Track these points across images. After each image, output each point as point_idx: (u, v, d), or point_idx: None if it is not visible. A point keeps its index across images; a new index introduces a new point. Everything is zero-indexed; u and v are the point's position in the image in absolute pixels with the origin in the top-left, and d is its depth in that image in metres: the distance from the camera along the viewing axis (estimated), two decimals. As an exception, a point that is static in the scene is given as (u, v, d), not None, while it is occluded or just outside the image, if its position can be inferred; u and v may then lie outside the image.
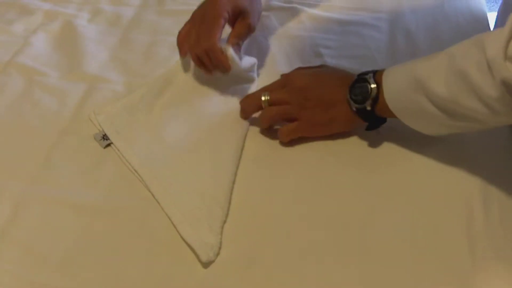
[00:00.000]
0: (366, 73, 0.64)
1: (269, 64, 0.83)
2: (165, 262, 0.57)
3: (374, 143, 0.68)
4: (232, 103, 0.74)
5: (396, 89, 0.61)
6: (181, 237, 0.58)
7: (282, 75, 0.72)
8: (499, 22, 0.88)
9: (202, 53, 0.71)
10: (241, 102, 0.71)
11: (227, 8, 0.73)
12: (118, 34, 0.90)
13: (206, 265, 0.56)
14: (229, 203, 0.62)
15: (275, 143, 0.70)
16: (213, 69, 0.72)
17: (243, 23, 0.75)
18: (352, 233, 0.59)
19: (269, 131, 0.71)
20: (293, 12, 0.93)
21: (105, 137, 0.70)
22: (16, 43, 0.87)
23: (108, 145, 0.69)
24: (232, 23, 0.76)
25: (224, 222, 0.60)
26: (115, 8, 0.96)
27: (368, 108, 0.63)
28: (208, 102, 0.75)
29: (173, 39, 0.87)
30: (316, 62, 0.82)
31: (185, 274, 0.56)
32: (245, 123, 0.72)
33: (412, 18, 0.91)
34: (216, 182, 0.63)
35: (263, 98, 0.68)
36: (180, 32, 0.77)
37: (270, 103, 0.68)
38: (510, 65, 0.49)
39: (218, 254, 0.57)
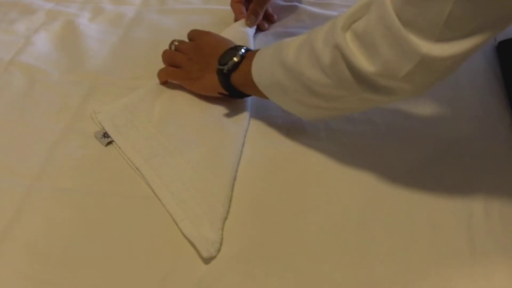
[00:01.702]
0: (243, 46, 0.70)
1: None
2: (166, 259, 0.57)
3: (374, 142, 0.69)
4: (233, 102, 0.74)
5: (261, 58, 0.64)
6: (183, 233, 0.59)
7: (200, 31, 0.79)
8: None
9: None
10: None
11: None
12: (120, 33, 0.90)
13: (207, 261, 0.57)
14: (230, 199, 0.62)
15: (276, 141, 0.70)
16: None
17: None
18: (352, 230, 0.60)
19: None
20: (293, 10, 0.93)
21: (105, 135, 0.70)
22: (18, 42, 0.87)
23: (109, 143, 0.70)
24: None
25: (225, 218, 0.60)
26: (116, 7, 0.96)
27: (225, 70, 0.67)
28: (209, 100, 0.75)
29: (175, 38, 0.88)
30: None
31: (187, 270, 0.56)
32: (246, 121, 0.72)
33: (412, 16, 0.91)
34: (216, 179, 0.64)
35: (172, 43, 0.78)
36: None
37: (176, 49, 0.77)
38: (345, 34, 0.52)
39: (219, 250, 0.57)
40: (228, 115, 0.72)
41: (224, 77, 0.68)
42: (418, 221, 0.60)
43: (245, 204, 0.63)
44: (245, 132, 0.71)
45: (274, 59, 0.62)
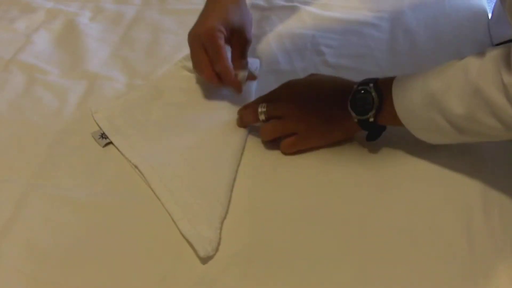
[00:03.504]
0: (367, 82, 0.62)
1: (270, 63, 0.83)
2: (165, 259, 0.57)
3: (375, 144, 0.68)
4: (233, 101, 0.74)
5: (408, 103, 0.60)
6: (181, 233, 0.58)
7: (279, 87, 0.69)
8: (494, 18, 0.88)
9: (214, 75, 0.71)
10: (239, 112, 0.70)
11: (220, 27, 0.70)
12: (120, 33, 0.90)
13: (205, 261, 0.56)
14: (229, 199, 0.62)
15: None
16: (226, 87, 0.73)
17: (241, 40, 0.73)
18: (352, 230, 0.60)
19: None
20: (294, 11, 0.93)
21: (103, 135, 0.70)
22: (18, 41, 0.87)
23: (107, 144, 0.70)
24: (228, 40, 0.73)
25: (224, 218, 0.60)
26: (117, 7, 0.96)
27: (371, 119, 0.62)
28: (209, 100, 0.75)
29: (175, 38, 0.88)
30: (317, 61, 0.83)
31: (185, 270, 0.56)
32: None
33: (412, 17, 0.91)
34: (216, 178, 0.64)
35: (259, 110, 0.67)
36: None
37: (267, 115, 0.67)
38: None
39: (217, 249, 0.57)
40: (229, 116, 0.72)
41: (371, 124, 0.62)
42: (418, 221, 0.60)
43: (244, 204, 0.62)
44: (247, 133, 0.71)
45: (431, 108, 0.57)
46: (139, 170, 0.65)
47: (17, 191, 0.64)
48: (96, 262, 0.57)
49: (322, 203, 0.63)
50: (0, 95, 0.77)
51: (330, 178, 0.65)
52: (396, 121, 0.61)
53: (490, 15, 0.90)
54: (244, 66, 0.73)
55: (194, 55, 0.72)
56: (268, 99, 0.68)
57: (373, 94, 0.61)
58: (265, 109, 0.67)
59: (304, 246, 0.58)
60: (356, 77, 0.64)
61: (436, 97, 0.57)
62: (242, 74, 0.71)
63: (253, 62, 0.78)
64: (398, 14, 0.92)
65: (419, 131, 0.62)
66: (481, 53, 0.55)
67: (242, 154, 0.68)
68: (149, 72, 0.81)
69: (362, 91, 0.62)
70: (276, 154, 0.68)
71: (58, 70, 0.82)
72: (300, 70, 0.81)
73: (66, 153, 0.69)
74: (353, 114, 0.63)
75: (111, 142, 0.70)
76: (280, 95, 0.67)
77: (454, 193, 0.62)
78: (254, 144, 0.69)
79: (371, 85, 0.61)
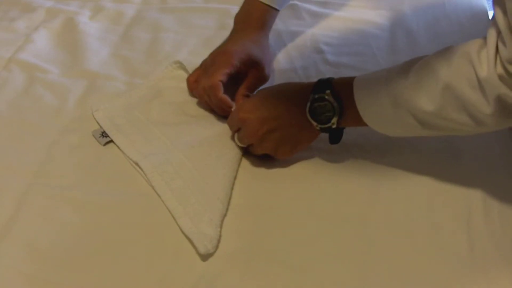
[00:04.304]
0: (322, 89, 0.61)
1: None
2: (165, 257, 0.57)
3: (373, 142, 0.68)
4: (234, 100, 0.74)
5: (374, 105, 0.59)
6: (181, 230, 0.59)
7: (234, 113, 0.67)
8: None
9: (202, 91, 0.71)
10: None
11: (239, 56, 0.71)
12: (120, 32, 0.90)
13: (206, 258, 0.57)
14: (230, 197, 0.62)
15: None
16: (214, 108, 0.72)
17: (256, 75, 0.73)
18: (352, 230, 0.60)
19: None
20: (294, 9, 0.93)
21: (104, 134, 0.70)
22: (18, 40, 0.87)
23: (108, 142, 0.70)
24: (244, 72, 0.73)
25: (224, 216, 0.60)
26: (117, 6, 0.96)
27: (334, 126, 0.62)
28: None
29: (175, 37, 0.88)
30: (317, 59, 0.83)
31: (185, 268, 0.56)
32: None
33: (413, 16, 0.91)
34: (217, 176, 0.64)
35: (235, 139, 0.67)
36: (188, 78, 0.76)
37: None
38: (502, 82, 0.50)
39: (217, 246, 0.57)
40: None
41: (337, 131, 0.64)
42: (418, 221, 0.60)
43: (245, 202, 0.63)
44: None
45: (398, 107, 0.57)
46: (140, 168, 0.65)
47: (17, 191, 0.64)
48: (96, 261, 0.57)
49: (322, 202, 0.63)
50: (0, 94, 0.77)
51: (331, 177, 0.65)
52: (360, 123, 0.61)
53: (490, 15, 0.90)
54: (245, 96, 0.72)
55: (195, 70, 0.75)
56: (232, 124, 0.68)
57: (333, 102, 0.60)
58: (238, 141, 0.67)
59: (304, 245, 0.58)
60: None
61: (403, 95, 0.57)
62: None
63: None
64: (399, 12, 0.92)
65: (382, 128, 0.61)
66: (446, 49, 0.55)
67: (242, 152, 0.68)
68: (149, 72, 0.81)
69: (320, 100, 0.61)
70: (276, 153, 0.68)
71: (58, 69, 0.82)
72: (299, 68, 0.81)
73: (66, 152, 0.69)
74: (315, 123, 0.62)
75: (111, 141, 0.70)
76: (238, 124, 0.66)
77: (454, 193, 0.62)
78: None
79: (328, 92, 0.61)
